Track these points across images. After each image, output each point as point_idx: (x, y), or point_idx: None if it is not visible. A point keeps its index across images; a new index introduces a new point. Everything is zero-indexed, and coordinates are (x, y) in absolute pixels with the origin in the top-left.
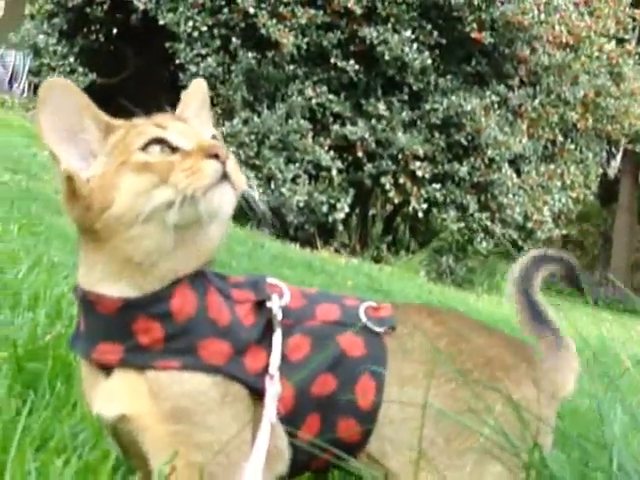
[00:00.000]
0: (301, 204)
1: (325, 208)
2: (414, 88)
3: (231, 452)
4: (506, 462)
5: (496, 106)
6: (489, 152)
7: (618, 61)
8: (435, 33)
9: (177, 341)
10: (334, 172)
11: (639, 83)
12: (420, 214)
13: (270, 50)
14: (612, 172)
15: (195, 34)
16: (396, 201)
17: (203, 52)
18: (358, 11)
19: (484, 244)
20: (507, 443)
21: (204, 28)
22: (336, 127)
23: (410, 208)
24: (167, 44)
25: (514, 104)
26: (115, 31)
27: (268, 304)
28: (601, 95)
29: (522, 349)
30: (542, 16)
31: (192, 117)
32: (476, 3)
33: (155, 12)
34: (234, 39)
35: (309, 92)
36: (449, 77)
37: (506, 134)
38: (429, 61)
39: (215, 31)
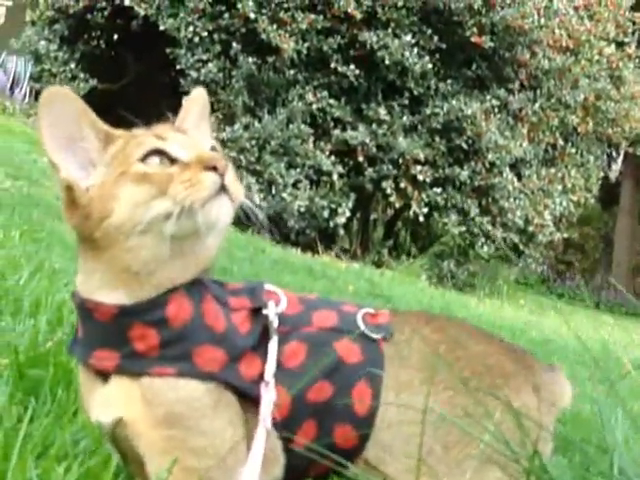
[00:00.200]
0: (302, 209)
1: (326, 213)
2: (414, 92)
3: (227, 457)
4: (506, 469)
5: (496, 110)
6: (490, 156)
7: (618, 65)
8: (435, 38)
9: (172, 348)
10: (335, 177)
11: (639, 86)
12: (421, 218)
13: (271, 55)
14: (613, 175)
15: (196, 39)
16: (397, 205)
17: (204, 57)
18: (358, 16)
19: (485, 248)
20: (507, 450)
21: (205, 33)
22: (337, 132)
23: (411, 212)
24: (168, 50)
25: (514, 108)
26: (116, 37)
27: (264, 311)
28: (601, 99)
29: (522, 357)
30: (542, 20)
31: (192, 126)
32: (476, 7)
33: (156, 18)
34: (235, 44)
35: (310, 97)
36: (449, 81)
37: (507, 138)
38: (429, 65)
39: (215, 36)
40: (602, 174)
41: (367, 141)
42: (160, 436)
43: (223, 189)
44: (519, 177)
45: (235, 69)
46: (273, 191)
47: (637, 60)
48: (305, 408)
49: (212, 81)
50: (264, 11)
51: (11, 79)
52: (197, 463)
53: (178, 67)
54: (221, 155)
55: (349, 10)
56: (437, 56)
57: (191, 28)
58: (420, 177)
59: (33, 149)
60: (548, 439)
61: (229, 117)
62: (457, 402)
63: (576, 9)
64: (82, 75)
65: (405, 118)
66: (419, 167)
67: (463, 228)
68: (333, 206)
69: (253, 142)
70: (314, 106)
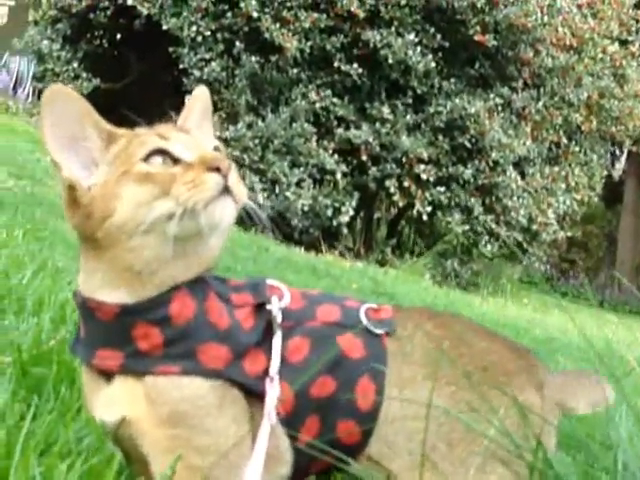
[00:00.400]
0: (306, 208)
1: (330, 212)
2: (418, 91)
3: (231, 454)
4: (510, 466)
5: (500, 109)
6: (493, 155)
7: (622, 63)
8: (438, 36)
9: (176, 346)
10: (338, 176)
11: None
12: (425, 217)
13: (274, 54)
14: (617, 174)
15: (199, 39)
16: (400, 204)
17: (207, 57)
18: (361, 15)
19: (489, 247)
20: (511, 446)
21: (207, 33)
22: (340, 131)
23: (414, 211)
24: (171, 49)
25: (518, 106)
26: (119, 36)
27: (268, 306)
28: (605, 97)
29: (525, 355)
30: (545, 18)
31: (195, 125)
32: (479, 6)
33: (159, 17)
34: (238, 43)
35: (313, 96)
36: (453, 80)
37: (510, 136)
38: (433, 64)
39: (219, 35)
40: (606, 172)
41: (370, 140)
42: (164, 435)
43: (226, 190)
44: (523, 176)
45: (238, 68)
46: (277, 190)
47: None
48: (308, 404)
49: (215, 80)
50: (267, 10)
51: (14, 79)
52: (201, 461)
53: (181, 66)
54: (224, 155)
55: (352, 9)
56: (440, 55)
57: (194, 27)
58: (424, 176)
59: (36, 148)
60: (552, 435)
61: (232, 116)
62: (460, 398)
63: (579, 7)
64: (85, 74)
65: (408, 117)
66: (422, 166)
67: (467, 227)
68: (337, 205)
69: (256, 141)
70: (317, 105)
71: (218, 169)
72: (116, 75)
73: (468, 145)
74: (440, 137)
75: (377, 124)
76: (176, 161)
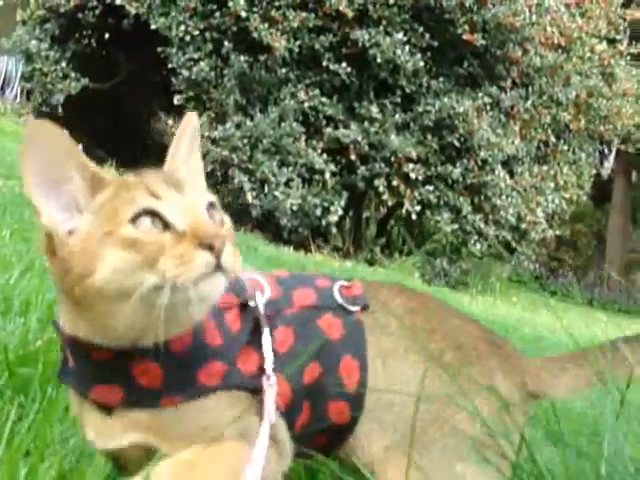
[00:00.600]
0: (294, 207)
1: (319, 211)
2: (406, 90)
3: (248, 433)
4: (483, 448)
5: (488, 108)
6: (482, 154)
7: (610, 62)
8: (427, 35)
9: (177, 376)
10: (327, 175)
11: (631, 83)
12: (414, 216)
13: (262, 54)
14: (605, 172)
15: (187, 38)
16: (389, 204)
17: (195, 56)
18: (350, 14)
19: (478, 246)
20: (484, 429)
21: (196, 32)
22: (329, 130)
23: (403, 210)
24: (159, 49)
25: (506, 105)
26: (107, 36)
27: (251, 303)
28: (593, 96)
29: (498, 341)
30: (533, 17)
31: (183, 158)
32: (467, 5)
33: (147, 17)
34: (226, 43)
35: (301, 95)
36: (441, 79)
37: (499, 135)
38: (421, 63)
39: (207, 35)
40: (594, 171)
41: (359, 139)
42: (180, 445)
43: (218, 267)
44: (511, 174)
45: (227, 68)
46: (265, 190)
47: (629, 57)
48: (302, 391)
49: (204, 80)
50: (255, 9)
51: (2, 79)
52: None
53: (170, 66)
54: (219, 221)
55: (340, 8)
56: (429, 54)
57: (182, 27)
58: (412, 175)
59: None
60: (521, 424)
61: (221, 116)
62: (434, 375)
63: (567, 6)
64: (73, 74)
65: (397, 116)
66: (411, 165)
67: (455, 226)
68: (325, 204)
69: (245, 141)
70: (306, 104)
71: (211, 247)
72: (105, 75)
73: (457, 144)
74: (429, 136)
75: (366, 123)
76: (166, 225)
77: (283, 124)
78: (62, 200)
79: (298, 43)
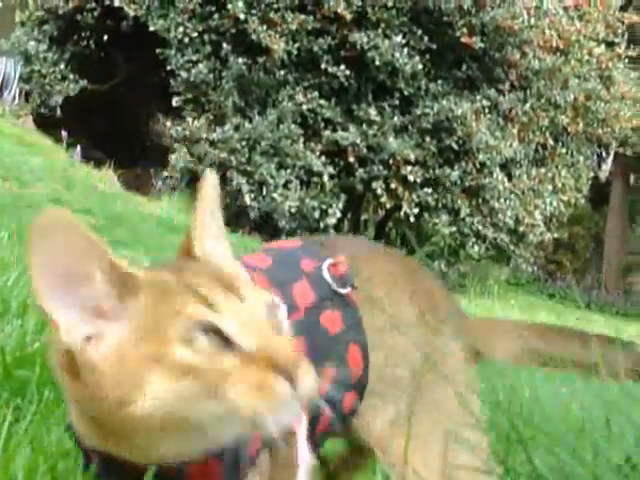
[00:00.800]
0: (293, 210)
1: (317, 213)
2: (405, 93)
3: None
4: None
5: (487, 110)
6: (480, 156)
7: (608, 65)
8: (425, 38)
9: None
10: (325, 178)
11: (629, 86)
12: (412, 219)
13: (261, 56)
14: (603, 175)
15: (186, 40)
16: (388, 206)
17: (194, 58)
18: (348, 16)
19: (476, 248)
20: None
21: (195, 34)
22: (327, 132)
23: (402, 213)
24: (158, 50)
25: (505, 108)
26: (106, 38)
27: None
28: (591, 99)
29: (452, 300)
30: (532, 20)
31: (207, 224)
32: (466, 8)
33: (146, 18)
34: (225, 45)
35: (300, 98)
36: (440, 82)
37: (497, 138)
38: (420, 66)
39: (206, 37)
40: (592, 174)
41: (357, 142)
42: None
43: (296, 396)
44: (509, 177)
45: (225, 70)
46: (264, 192)
47: (627, 60)
48: (319, 402)
49: (202, 82)
50: (254, 12)
51: (0, 80)
52: None
53: (168, 68)
54: (279, 324)
55: (339, 10)
56: (427, 56)
57: (181, 29)
58: (411, 177)
59: (24, 150)
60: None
61: (219, 118)
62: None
63: (566, 9)
64: (72, 76)
65: (395, 118)
66: (410, 167)
67: (454, 228)
68: (324, 207)
69: (243, 143)
70: (304, 107)
71: (290, 377)
72: (103, 76)
73: (455, 147)
74: (427, 139)
75: (364, 126)
76: (227, 343)
77: (281, 126)
78: (81, 306)
79: (297, 45)
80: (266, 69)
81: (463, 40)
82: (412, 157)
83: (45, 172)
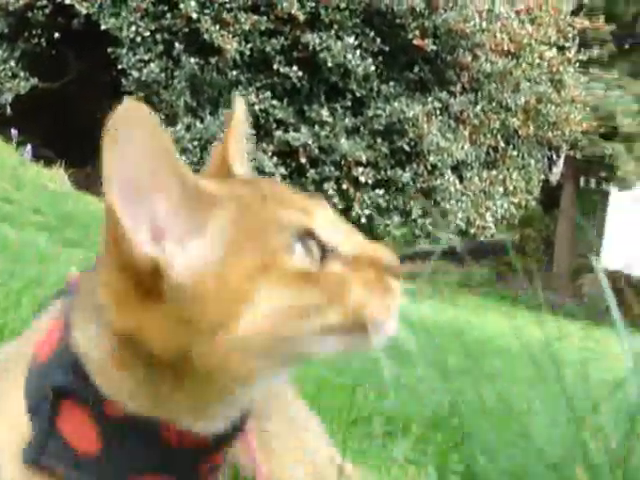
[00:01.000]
0: None
1: None
2: (357, 94)
3: None
4: None
5: (438, 112)
6: (431, 158)
7: (559, 69)
8: (378, 40)
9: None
10: (277, 178)
11: (579, 90)
12: (363, 220)
13: (213, 56)
14: (554, 178)
15: (138, 39)
16: (339, 207)
17: (146, 57)
18: (301, 17)
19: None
20: None
21: (147, 33)
22: (279, 133)
23: (353, 214)
24: (109, 49)
25: (456, 110)
26: (57, 35)
27: None
28: (542, 102)
29: None
30: (484, 24)
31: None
32: (419, 10)
33: (97, 17)
34: (177, 44)
35: (252, 98)
36: (392, 84)
37: (448, 140)
38: (372, 68)
39: (158, 36)
40: (543, 177)
41: (309, 142)
42: None
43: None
44: (461, 179)
45: (177, 69)
46: None
47: (577, 64)
48: None
49: (154, 81)
50: (207, 11)
51: None
52: None
53: (120, 66)
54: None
55: (292, 12)
56: (380, 58)
57: (133, 28)
58: (362, 179)
59: None
60: None
61: (171, 117)
62: None
63: (518, 13)
64: (22, 73)
65: (347, 120)
66: (361, 169)
67: (405, 230)
68: None
69: (195, 143)
70: (256, 107)
71: (398, 276)
72: (54, 74)
73: (407, 148)
74: (379, 140)
75: (316, 127)
76: (326, 251)
77: None
78: (159, 220)
79: (249, 46)
80: (218, 69)
81: (415, 42)
82: (364, 158)
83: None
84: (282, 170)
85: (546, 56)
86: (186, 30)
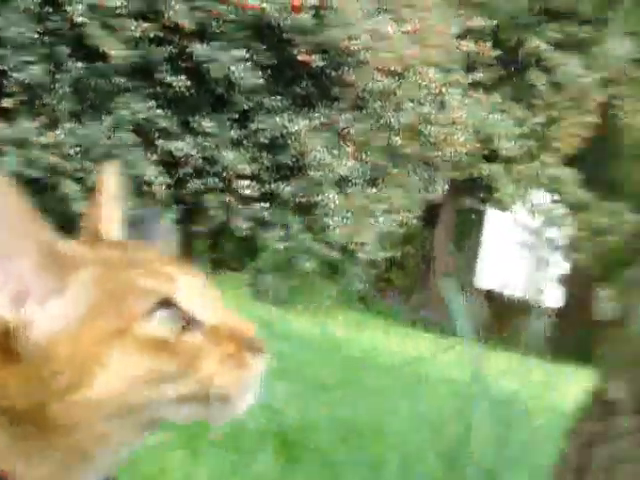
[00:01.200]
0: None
1: None
2: (243, 107)
3: None
4: None
5: (323, 128)
6: (314, 173)
7: (442, 90)
8: (266, 53)
9: None
10: (159, 188)
11: (462, 112)
12: (244, 233)
13: (98, 61)
14: (435, 197)
15: (21, 41)
16: (221, 219)
17: (29, 59)
18: (189, 27)
19: (307, 264)
20: None
21: (31, 35)
22: (162, 142)
23: (235, 226)
24: None
25: (340, 127)
26: None
27: None
28: (425, 122)
29: None
30: (370, 42)
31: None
32: (307, 26)
33: None
34: (62, 48)
35: (136, 106)
36: (278, 98)
37: (332, 156)
38: (258, 81)
39: (42, 39)
40: (424, 195)
41: (193, 153)
42: None
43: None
44: (343, 195)
45: (61, 73)
46: None
47: (461, 87)
48: None
49: (37, 84)
50: (94, 16)
51: None
52: None
53: (1, 68)
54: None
55: (181, 21)
56: (267, 72)
57: (17, 28)
58: (245, 191)
59: None
60: None
61: (53, 122)
62: None
63: (404, 34)
64: None
65: (232, 132)
66: (244, 181)
67: (286, 244)
68: None
69: (77, 148)
70: (141, 115)
71: (260, 350)
72: None
73: (290, 163)
74: (263, 154)
75: (200, 137)
76: (189, 321)
77: (116, 134)
78: (9, 281)
79: (136, 53)
80: (103, 75)
81: (301, 58)
82: (247, 171)
83: None
84: (165, 179)
85: (431, 77)
86: (72, 34)
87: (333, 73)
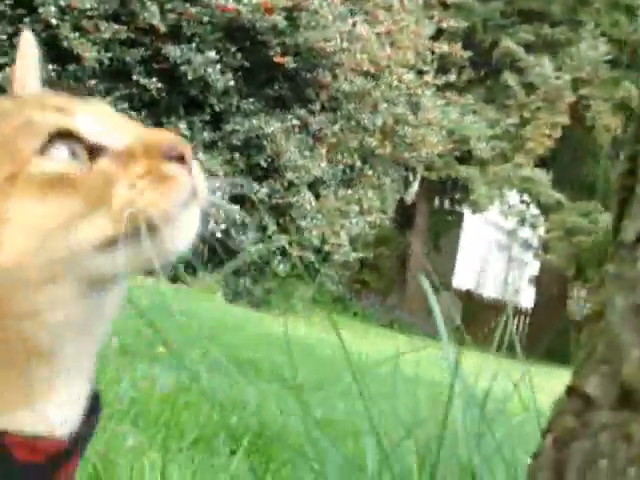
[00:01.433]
0: None
1: None
2: (216, 109)
3: None
4: None
5: (297, 130)
6: (288, 175)
7: (417, 91)
8: (239, 55)
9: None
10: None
11: (436, 113)
12: (218, 234)
13: (72, 63)
14: (409, 198)
15: None
16: None
17: (1, 61)
18: (163, 29)
19: (282, 266)
20: None
21: (3, 37)
22: None
23: (209, 228)
24: None
25: (314, 129)
26: None
27: None
28: (400, 123)
29: None
30: (344, 44)
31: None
32: (280, 28)
33: None
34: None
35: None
36: (251, 99)
37: (306, 158)
38: (232, 83)
39: (15, 40)
40: (398, 196)
41: None
42: None
43: (193, 192)
44: (317, 197)
45: None
46: None
47: (435, 88)
48: None
49: (9, 86)
50: (67, 18)
51: None
52: None
53: None
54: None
55: (154, 23)
56: (240, 74)
57: None
58: (218, 193)
59: None
60: None
61: None
62: None
63: (378, 35)
64: None
65: (206, 134)
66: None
67: (260, 245)
68: None
69: None
70: None
71: (182, 158)
72: None
73: (264, 165)
74: (237, 155)
75: None
76: (93, 151)
77: None
78: None
79: (109, 55)
80: (76, 77)
81: (275, 60)
82: (221, 173)
83: None
84: None
85: (404, 78)
86: (44, 35)
87: (307, 75)
